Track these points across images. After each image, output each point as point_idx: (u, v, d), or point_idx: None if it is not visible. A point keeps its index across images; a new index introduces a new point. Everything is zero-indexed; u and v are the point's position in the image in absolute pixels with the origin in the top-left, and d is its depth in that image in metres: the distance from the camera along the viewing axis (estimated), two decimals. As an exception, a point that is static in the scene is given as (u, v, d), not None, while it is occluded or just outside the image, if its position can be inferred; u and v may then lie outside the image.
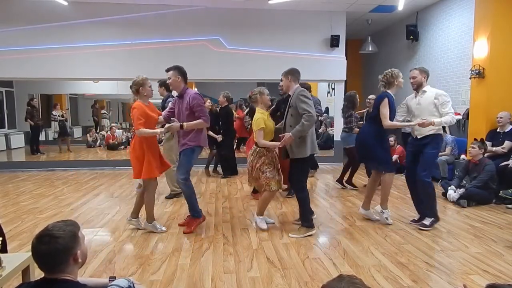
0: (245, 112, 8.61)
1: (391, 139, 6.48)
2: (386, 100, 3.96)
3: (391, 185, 4.30)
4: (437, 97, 3.88)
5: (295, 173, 3.94)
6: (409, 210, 4.68)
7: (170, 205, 5.07)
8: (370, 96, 6.09)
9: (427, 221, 4.04)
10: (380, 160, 4.17)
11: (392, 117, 4.02)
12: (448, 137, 6.48)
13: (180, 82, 3.88)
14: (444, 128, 6.53)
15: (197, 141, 3.90)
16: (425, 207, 4.10)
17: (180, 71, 3.88)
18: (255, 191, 5.59)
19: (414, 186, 4.13)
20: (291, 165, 3.96)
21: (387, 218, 4.22)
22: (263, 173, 3.90)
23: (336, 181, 6.30)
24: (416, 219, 4.25)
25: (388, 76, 4.06)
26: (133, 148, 3.87)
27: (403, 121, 4.25)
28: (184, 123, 3.79)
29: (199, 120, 3.82)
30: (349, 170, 6.20)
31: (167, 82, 3.96)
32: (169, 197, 5.40)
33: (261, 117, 3.85)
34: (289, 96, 4.15)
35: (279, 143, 3.80)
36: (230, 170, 7.24)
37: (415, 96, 4.08)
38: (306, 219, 3.95)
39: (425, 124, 3.77)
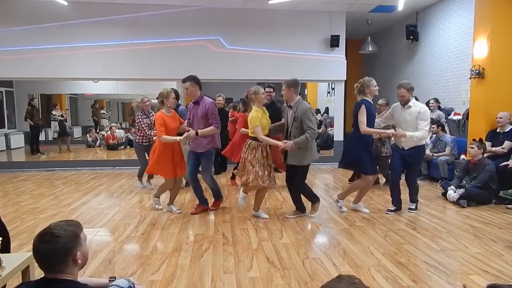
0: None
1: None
2: (363, 107, 4.28)
3: (361, 187, 4.67)
4: (421, 113, 4.29)
5: (296, 178, 4.32)
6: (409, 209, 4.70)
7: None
8: (380, 101, 6.24)
9: (413, 205, 4.70)
10: (362, 165, 4.49)
11: (370, 121, 4.32)
12: (448, 137, 6.48)
13: (196, 90, 4.39)
14: (443, 127, 6.58)
15: (213, 143, 4.47)
16: (411, 196, 4.73)
17: (195, 81, 4.38)
18: (233, 177, 6.26)
19: (397, 184, 4.65)
20: (291, 170, 4.32)
21: (341, 207, 4.64)
22: (253, 167, 4.14)
23: (348, 180, 6.58)
24: (392, 209, 4.68)
25: (359, 85, 4.39)
26: (153, 149, 4.54)
27: (385, 127, 4.84)
28: (199, 131, 4.30)
29: (211, 127, 4.34)
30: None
31: (185, 92, 4.46)
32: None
33: (255, 116, 4.13)
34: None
35: (280, 142, 4.10)
36: (221, 167, 7.60)
37: (401, 110, 4.45)
38: (312, 198, 4.45)
39: (398, 135, 4.33)
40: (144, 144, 5.85)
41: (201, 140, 4.41)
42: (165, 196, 4.97)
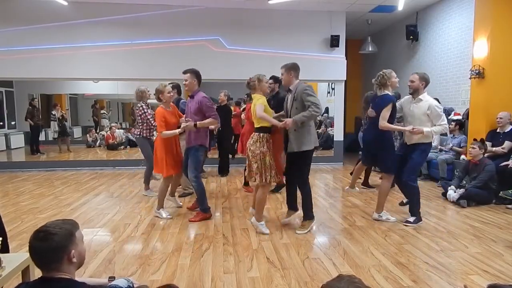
0: (241, 109, 8.60)
1: None
2: (390, 105, 4.02)
3: (387, 193, 4.47)
4: (430, 108, 4.05)
5: (299, 167, 3.96)
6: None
7: (168, 206, 5.06)
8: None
9: (411, 219, 4.27)
10: (382, 162, 4.32)
11: (393, 117, 4.09)
12: (464, 137, 6.47)
13: (195, 84, 4.30)
14: (461, 127, 6.52)
15: (200, 140, 4.29)
16: (410, 207, 4.37)
17: (196, 75, 4.30)
18: (246, 184, 5.97)
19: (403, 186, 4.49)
20: (293, 160, 3.96)
21: (388, 219, 4.37)
22: (265, 158, 3.83)
23: (361, 185, 6.23)
24: (404, 201, 4.69)
25: (380, 78, 4.13)
26: (155, 147, 4.50)
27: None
28: (198, 122, 4.18)
29: (210, 119, 4.23)
30: (369, 171, 6.31)
31: (184, 83, 4.32)
32: (182, 195, 5.53)
33: (262, 100, 3.86)
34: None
35: (280, 122, 3.77)
36: (226, 169, 7.49)
37: (411, 102, 4.22)
38: (308, 211, 4.05)
39: (416, 132, 4.03)
40: (150, 137, 5.41)
41: (190, 136, 4.27)
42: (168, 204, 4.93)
